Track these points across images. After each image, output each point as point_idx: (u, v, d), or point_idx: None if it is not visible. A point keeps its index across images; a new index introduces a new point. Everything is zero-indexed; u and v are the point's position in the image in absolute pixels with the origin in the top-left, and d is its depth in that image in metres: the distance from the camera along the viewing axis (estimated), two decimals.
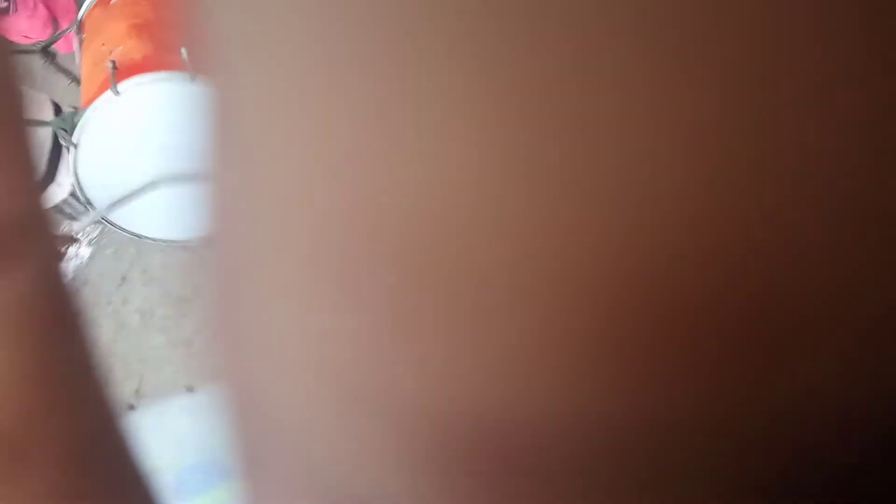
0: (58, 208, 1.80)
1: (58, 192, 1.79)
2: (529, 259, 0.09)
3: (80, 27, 2.01)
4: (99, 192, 1.73)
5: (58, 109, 1.80)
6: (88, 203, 1.74)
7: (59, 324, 0.24)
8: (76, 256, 2.00)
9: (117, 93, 1.64)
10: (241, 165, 0.11)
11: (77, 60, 1.98)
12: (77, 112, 1.70)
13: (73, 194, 1.76)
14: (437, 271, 0.09)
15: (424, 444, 0.10)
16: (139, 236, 1.82)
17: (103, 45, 1.84)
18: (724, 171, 0.08)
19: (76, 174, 1.70)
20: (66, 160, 1.75)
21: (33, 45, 2.01)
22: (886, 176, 0.08)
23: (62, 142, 1.71)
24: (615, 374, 0.09)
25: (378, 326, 0.10)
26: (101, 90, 1.69)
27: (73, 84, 2.04)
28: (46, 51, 2.02)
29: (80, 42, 1.99)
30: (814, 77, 0.08)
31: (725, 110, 0.08)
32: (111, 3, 1.98)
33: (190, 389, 1.43)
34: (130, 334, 2.08)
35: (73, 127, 1.68)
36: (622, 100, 0.08)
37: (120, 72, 1.68)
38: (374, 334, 0.10)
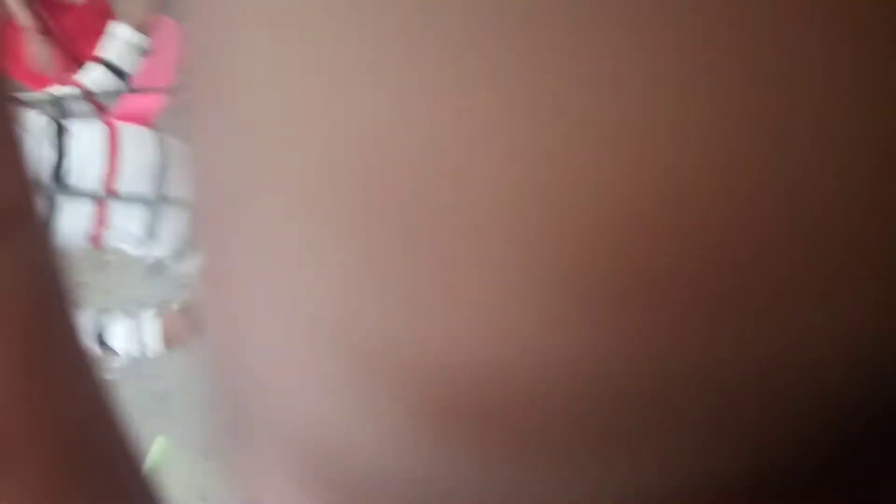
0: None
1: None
2: (527, 202, 0.09)
3: None
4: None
5: None
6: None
7: (48, 315, 0.23)
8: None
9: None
10: (224, 112, 0.11)
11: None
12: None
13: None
14: (430, 216, 0.09)
15: (419, 398, 0.10)
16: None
17: None
18: (722, 118, 0.08)
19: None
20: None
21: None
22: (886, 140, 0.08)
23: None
24: (616, 322, 0.09)
25: (371, 276, 0.10)
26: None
27: None
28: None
29: None
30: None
31: (723, 57, 0.08)
32: None
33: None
34: None
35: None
36: (619, 40, 0.08)
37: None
38: (367, 285, 0.10)
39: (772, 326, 0.09)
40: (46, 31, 1.96)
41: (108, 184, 1.62)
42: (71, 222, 1.59)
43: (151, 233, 1.67)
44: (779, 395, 0.10)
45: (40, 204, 0.23)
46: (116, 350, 1.60)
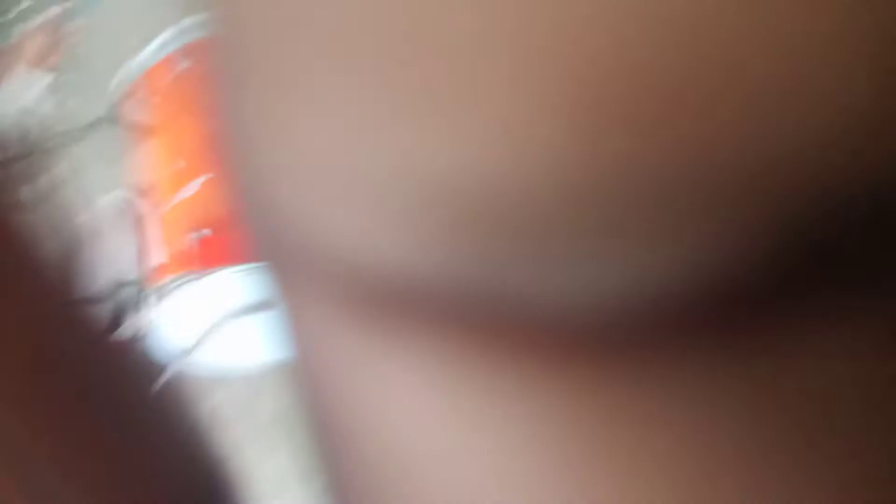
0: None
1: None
2: (524, 27, 0.09)
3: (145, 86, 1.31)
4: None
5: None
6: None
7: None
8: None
9: (201, 278, 1.23)
10: None
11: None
12: (142, 289, 1.16)
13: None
14: (436, 44, 0.10)
15: (435, 208, 0.11)
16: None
17: (182, 160, 1.31)
18: None
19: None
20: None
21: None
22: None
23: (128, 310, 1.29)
24: (598, 133, 0.10)
25: (385, 102, 0.11)
26: (181, 264, 1.22)
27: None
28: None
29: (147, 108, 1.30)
30: None
31: None
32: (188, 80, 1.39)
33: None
34: None
35: (139, 301, 1.16)
36: None
37: (204, 245, 1.28)
38: (378, 115, 0.11)
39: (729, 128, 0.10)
40: None
41: None
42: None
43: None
44: (746, 192, 0.10)
45: None
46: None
